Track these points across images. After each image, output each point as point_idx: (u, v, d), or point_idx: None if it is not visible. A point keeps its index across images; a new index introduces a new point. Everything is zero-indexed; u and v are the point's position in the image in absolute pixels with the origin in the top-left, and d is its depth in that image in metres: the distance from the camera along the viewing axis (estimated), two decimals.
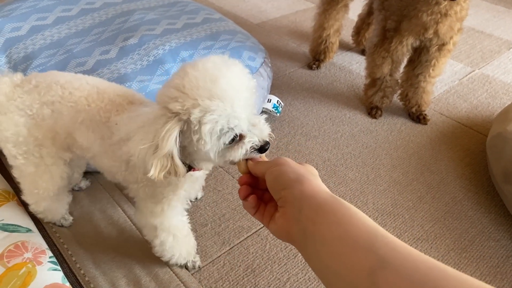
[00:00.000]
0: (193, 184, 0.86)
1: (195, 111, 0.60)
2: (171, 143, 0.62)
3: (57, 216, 1.04)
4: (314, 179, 0.52)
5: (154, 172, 0.64)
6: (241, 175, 0.62)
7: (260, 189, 0.60)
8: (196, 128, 0.61)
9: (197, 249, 1.01)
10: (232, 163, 0.67)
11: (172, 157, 0.64)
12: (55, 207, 1.01)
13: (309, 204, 0.48)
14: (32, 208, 0.99)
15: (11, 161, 0.89)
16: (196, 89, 0.61)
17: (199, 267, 0.98)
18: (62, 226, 1.05)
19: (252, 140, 0.65)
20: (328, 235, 0.45)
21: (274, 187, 0.53)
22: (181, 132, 0.63)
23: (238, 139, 0.64)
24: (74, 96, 0.81)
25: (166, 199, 0.82)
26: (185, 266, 0.98)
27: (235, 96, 0.61)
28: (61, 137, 0.84)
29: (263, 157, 0.66)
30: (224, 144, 0.63)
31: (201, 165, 0.76)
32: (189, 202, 0.92)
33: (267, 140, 0.66)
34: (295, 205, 0.50)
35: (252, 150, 0.64)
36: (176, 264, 0.97)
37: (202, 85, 0.61)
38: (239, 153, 0.64)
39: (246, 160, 0.64)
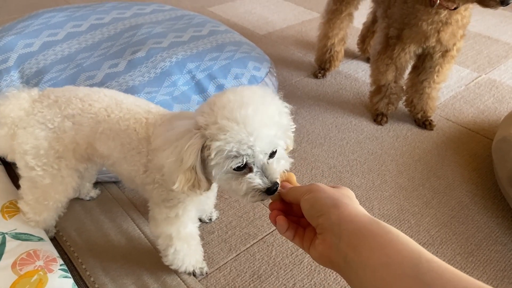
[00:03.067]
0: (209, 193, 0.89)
1: (213, 127, 0.63)
2: (193, 157, 0.65)
3: (48, 227, 1.05)
4: (351, 202, 0.51)
5: (179, 185, 0.67)
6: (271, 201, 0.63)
7: (295, 215, 0.59)
8: (209, 143, 0.64)
9: (204, 256, 1.03)
10: (239, 195, 0.68)
11: (195, 171, 0.67)
12: (53, 217, 1.01)
13: (348, 230, 0.47)
14: (29, 216, 0.98)
15: (25, 172, 0.91)
16: (222, 109, 0.63)
17: (206, 273, 1.00)
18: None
19: (253, 181, 0.64)
20: (371, 262, 0.44)
21: (310, 215, 0.53)
22: (203, 147, 0.66)
23: (246, 170, 0.65)
24: (94, 108, 0.84)
25: (181, 203, 0.84)
26: (193, 273, 0.99)
27: (256, 127, 0.62)
28: (81, 148, 0.87)
29: (294, 181, 0.66)
30: (230, 168, 0.64)
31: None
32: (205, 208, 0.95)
33: (275, 181, 0.64)
34: (334, 232, 0.49)
35: (258, 192, 0.64)
36: (185, 272, 0.98)
37: (228, 107, 0.63)
38: (241, 188, 0.65)
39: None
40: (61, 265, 0.94)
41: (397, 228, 1.16)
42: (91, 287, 0.96)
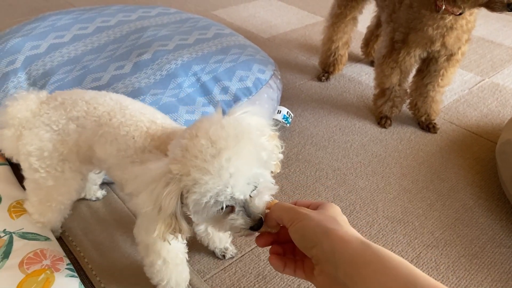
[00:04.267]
0: None
1: (187, 179, 0.60)
2: (173, 205, 0.63)
3: (54, 227, 1.05)
4: (339, 226, 0.51)
5: (158, 232, 0.65)
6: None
7: (287, 241, 0.57)
8: (185, 194, 0.62)
9: (209, 256, 1.04)
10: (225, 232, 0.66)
11: (176, 217, 0.65)
12: (58, 219, 1.01)
13: (343, 259, 0.47)
14: (35, 217, 0.99)
15: (29, 174, 0.91)
16: (194, 158, 0.60)
17: None
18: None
19: (235, 222, 0.62)
20: None
21: (303, 246, 0.52)
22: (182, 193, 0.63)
23: (228, 209, 0.63)
24: (98, 111, 0.84)
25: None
26: None
27: (233, 174, 0.59)
28: (83, 150, 0.87)
29: (274, 200, 0.64)
30: (213, 213, 0.62)
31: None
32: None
33: (259, 218, 0.62)
34: (329, 262, 0.48)
35: (243, 229, 0.63)
36: None
37: (201, 157, 0.60)
38: (225, 228, 0.64)
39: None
40: (67, 264, 0.95)
41: (401, 230, 1.16)
42: (97, 286, 0.96)
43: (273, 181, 0.67)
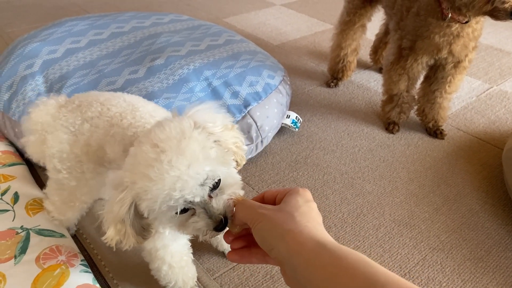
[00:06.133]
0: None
1: (135, 187, 0.60)
2: (123, 212, 0.62)
3: (70, 225, 1.08)
4: (296, 226, 0.49)
5: (109, 235, 0.65)
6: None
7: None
8: (138, 202, 0.62)
9: (218, 255, 1.06)
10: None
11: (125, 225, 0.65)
12: (76, 217, 1.04)
13: (299, 262, 0.46)
14: (53, 215, 1.03)
15: (53, 174, 0.94)
16: (138, 166, 0.60)
17: None
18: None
19: (197, 224, 0.61)
20: None
21: (264, 248, 0.52)
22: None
23: (190, 211, 0.62)
24: (111, 112, 0.86)
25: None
26: None
27: (179, 177, 0.57)
28: (93, 149, 0.88)
29: (238, 197, 0.63)
30: (171, 217, 0.62)
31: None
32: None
33: (220, 219, 0.60)
34: (288, 264, 0.48)
35: (208, 231, 0.62)
36: None
37: (144, 162, 0.59)
38: (190, 232, 0.63)
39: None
40: (81, 260, 0.98)
41: (408, 233, 1.17)
42: (110, 282, 0.99)
43: (237, 176, 0.66)
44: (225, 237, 0.61)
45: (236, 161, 0.71)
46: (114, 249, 0.68)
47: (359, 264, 0.43)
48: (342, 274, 0.43)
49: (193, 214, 0.62)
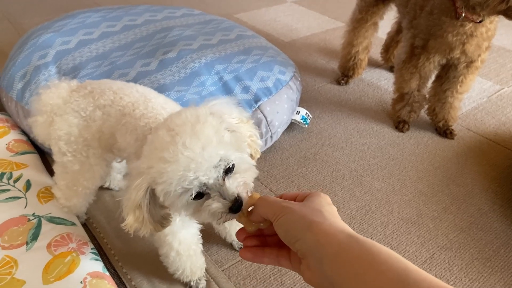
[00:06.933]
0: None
1: (152, 172, 0.61)
2: (139, 197, 0.64)
3: (80, 213, 1.09)
4: (324, 219, 0.48)
5: (128, 221, 0.66)
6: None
7: (275, 234, 0.55)
8: (154, 187, 0.63)
9: (226, 248, 1.07)
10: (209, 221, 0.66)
11: (142, 211, 0.66)
12: (83, 204, 1.05)
13: (328, 254, 0.45)
14: (61, 202, 1.04)
15: (58, 157, 0.95)
16: (154, 150, 0.61)
17: None
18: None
19: (211, 206, 0.61)
20: (357, 287, 0.42)
21: (287, 240, 0.50)
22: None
23: (205, 196, 0.62)
24: (123, 101, 0.87)
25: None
26: (189, 285, 0.97)
27: (193, 158, 0.58)
28: (105, 137, 0.90)
29: (255, 194, 0.63)
30: (186, 202, 0.62)
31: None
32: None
33: (234, 197, 0.61)
34: (314, 256, 0.46)
35: (223, 213, 0.62)
36: (180, 280, 0.97)
37: (160, 146, 0.61)
38: (205, 216, 0.63)
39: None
40: (92, 248, 0.99)
41: (416, 231, 1.17)
42: (119, 271, 1.00)
43: (251, 161, 0.67)
44: (238, 234, 0.61)
45: (251, 154, 0.72)
46: (132, 235, 0.69)
47: (392, 259, 0.42)
48: (374, 268, 0.41)
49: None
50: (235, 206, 0.61)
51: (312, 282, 0.48)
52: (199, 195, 0.62)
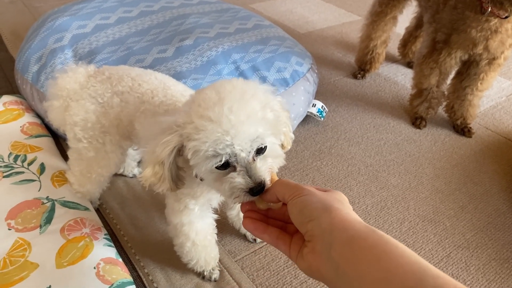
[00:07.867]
0: (213, 195, 0.83)
1: (189, 127, 0.60)
2: (166, 153, 0.63)
3: (93, 198, 1.08)
4: (343, 208, 0.47)
5: (145, 174, 0.65)
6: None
7: (279, 219, 0.56)
8: (186, 143, 0.62)
9: (240, 239, 1.06)
10: (225, 197, 0.65)
11: (164, 167, 0.65)
12: (96, 190, 1.04)
13: (341, 238, 0.43)
14: (75, 187, 1.04)
15: (73, 143, 0.94)
16: (197, 107, 0.61)
17: (215, 279, 0.96)
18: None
19: (234, 180, 0.60)
20: (368, 276, 0.40)
21: (299, 220, 0.49)
22: (183, 147, 0.64)
23: (230, 169, 0.62)
24: (142, 88, 0.86)
25: (183, 200, 0.82)
26: (202, 275, 0.96)
27: (234, 124, 0.58)
28: (123, 124, 0.89)
29: (274, 175, 0.62)
30: (211, 167, 0.61)
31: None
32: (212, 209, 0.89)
33: (260, 181, 0.60)
34: (324, 239, 0.45)
35: (243, 192, 0.61)
36: (193, 270, 0.96)
37: (204, 104, 0.60)
38: (224, 188, 0.62)
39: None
40: (105, 234, 0.98)
41: (432, 229, 1.15)
42: (132, 257, 0.99)
43: (282, 151, 0.67)
44: (242, 205, 0.61)
45: (282, 144, 0.72)
46: (147, 189, 0.68)
47: (409, 253, 0.41)
48: (390, 260, 0.40)
49: (232, 172, 0.62)
50: (257, 190, 0.60)
51: (311, 267, 0.47)
52: (225, 166, 0.61)
